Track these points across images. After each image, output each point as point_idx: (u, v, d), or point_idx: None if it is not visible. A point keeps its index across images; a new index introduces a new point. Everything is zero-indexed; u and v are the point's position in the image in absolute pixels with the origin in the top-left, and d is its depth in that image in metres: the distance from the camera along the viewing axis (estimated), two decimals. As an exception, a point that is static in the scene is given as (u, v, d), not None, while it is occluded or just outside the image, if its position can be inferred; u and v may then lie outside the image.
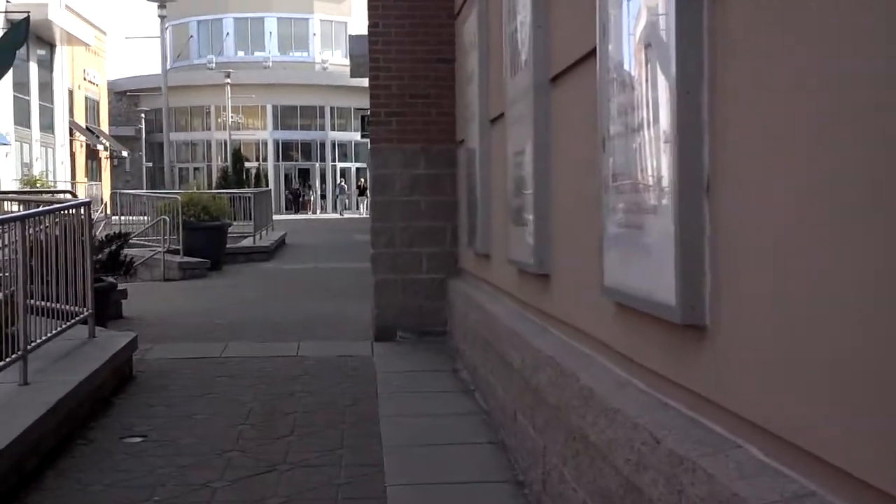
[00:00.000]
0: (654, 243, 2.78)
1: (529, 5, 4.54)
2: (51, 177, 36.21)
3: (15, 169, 33.59)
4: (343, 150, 55.07)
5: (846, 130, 1.85)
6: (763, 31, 2.23)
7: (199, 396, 6.37)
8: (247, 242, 19.21)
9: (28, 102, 36.10)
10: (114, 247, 9.07)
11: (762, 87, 2.23)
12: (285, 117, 54.44)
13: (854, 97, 1.82)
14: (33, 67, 36.75)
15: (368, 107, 8.88)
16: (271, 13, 56.17)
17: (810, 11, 2.00)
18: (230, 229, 18.19)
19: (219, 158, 53.34)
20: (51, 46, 38.85)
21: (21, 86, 34.84)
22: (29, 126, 35.86)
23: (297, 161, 55.01)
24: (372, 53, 8.54)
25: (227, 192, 22.16)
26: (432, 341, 8.33)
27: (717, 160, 2.49)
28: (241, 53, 56.51)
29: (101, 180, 44.93)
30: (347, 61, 23.87)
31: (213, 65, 53.56)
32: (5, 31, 28.31)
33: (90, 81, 45.52)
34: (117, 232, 10.05)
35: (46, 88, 38.24)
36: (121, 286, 9.85)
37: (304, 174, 54.30)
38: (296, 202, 51.33)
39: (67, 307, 6.59)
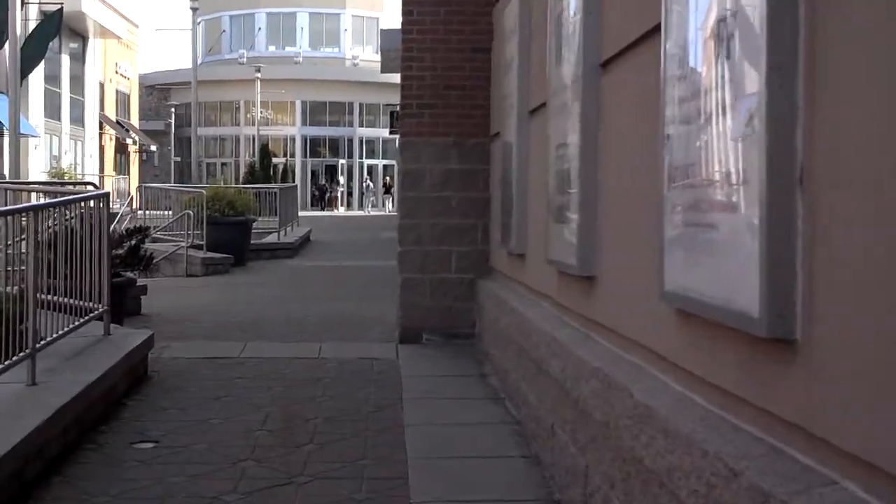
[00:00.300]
0: (731, 244, 2.40)
1: (578, -17, 4.16)
2: (79, 170, 36.18)
3: (44, 161, 33.58)
4: (371, 147, 54.81)
5: None
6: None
7: (215, 399, 6.03)
8: (271, 238, 18.92)
9: (59, 95, 36.07)
10: (134, 241, 8.76)
11: (876, 62, 1.84)
12: (314, 113, 54.26)
13: None
14: (65, 60, 36.72)
15: (397, 103, 8.55)
16: (303, 8, 55.99)
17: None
18: (255, 225, 17.92)
19: (247, 154, 53.21)
20: (83, 39, 38.81)
21: (52, 78, 34.81)
22: (59, 119, 35.84)
23: (324, 157, 54.81)
24: (405, 43, 8.18)
25: (252, 187, 21.91)
26: (460, 344, 7.97)
27: (813, 149, 2.11)
28: (272, 48, 56.36)
29: (129, 174, 44.96)
30: (378, 57, 23.57)
31: (245, 59, 53.48)
32: (38, 22, 28.25)
33: (122, 75, 45.50)
34: (138, 226, 9.74)
35: (78, 81, 38.21)
36: (141, 282, 9.56)
37: (331, 170, 54.09)
38: (322, 198, 51.11)
39: (82, 303, 6.29)
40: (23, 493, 4.20)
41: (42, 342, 5.37)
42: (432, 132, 8.10)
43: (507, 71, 6.66)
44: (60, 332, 5.71)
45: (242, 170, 49.46)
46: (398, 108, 8.57)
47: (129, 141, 46.98)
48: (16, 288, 5.45)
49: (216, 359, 7.34)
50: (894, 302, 1.78)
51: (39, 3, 31.94)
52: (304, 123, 54.29)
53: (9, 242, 5.51)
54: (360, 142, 54.44)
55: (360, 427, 5.43)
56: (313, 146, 54.65)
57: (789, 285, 2.15)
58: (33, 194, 8.82)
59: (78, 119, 37.98)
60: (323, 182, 52.66)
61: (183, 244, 15.48)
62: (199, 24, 47.09)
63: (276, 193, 20.32)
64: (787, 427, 2.25)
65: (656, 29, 3.13)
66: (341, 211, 48.65)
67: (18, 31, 13.40)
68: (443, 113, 8.09)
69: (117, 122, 44.50)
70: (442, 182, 8.11)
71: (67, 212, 6.33)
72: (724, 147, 2.46)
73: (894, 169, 1.79)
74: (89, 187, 9.10)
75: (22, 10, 15.25)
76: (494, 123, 7.72)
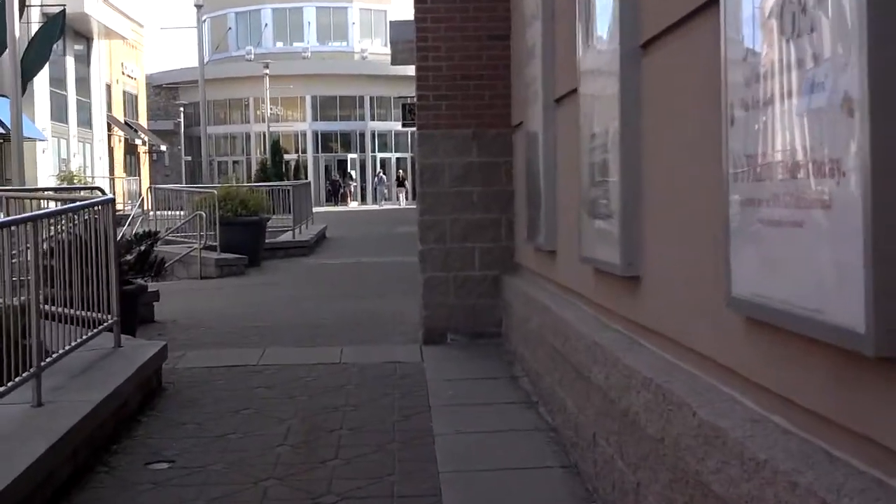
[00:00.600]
0: (824, 245, 2.07)
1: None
2: (88, 172, 36.01)
3: (53, 165, 33.42)
4: (383, 140, 54.47)
5: None
6: None
7: (234, 412, 5.73)
8: (286, 237, 18.61)
9: (65, 98, 35.89)
10: (143, 246, 8.46)
11: None
12: (324, 108, 53.94)
13: None
14: (70, 62, 36.53)
15: (408, 95, 8.25)
16: (310, 3, 55.63)
17: None
18: (269, 223, 17.62)
19: (258, 151, 53.02)
20: (87, 40, 38.61)
21: (58, 81, 34.62)
22: (66, 121, 35.66)
23: (336, 152, 54.52)
24: (419, 32, 7.85)
25: (265, 186, 21.61)
26: (486, 344, 7.65)
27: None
28: (279, 44, 56.03)
29: (139, 175, 44.80)
30: (387, 50, 23.23)
31: (252, 56, 53.19)
32: (41, 25, 28.02)
33: (128, 75, 45.32)
34: (147, 230, 9.44)
35: (84, 83, 38.02)
36: (154, 287, 9.27)
37: (343, 166, 53.78)
38: (335, 194, 50.84)
39: (91, 314, 6.00)
40: (30, 526, 3.91)
41: (47, 360, 5.08)
42: (450, 124, 7.78)
43: (529, 58, 6.32)
44: (66, 348, 5.41)
45: (254, 167, 49.28)
46: (412, 100, 8.24)
47: (138, 142, 46.84)
48: (19, 301, 5.16)
49: (233, 367, 7.04)
50: None
51: (41, 6, 31.71)
52: (314, 119, 53.98)
53: (13, 252, 5.22)
54: (373, 136, 54.12)
55: (387, 438, 5.12)
56: (325, 141, 54.35)
57: (904, 295, 1.82)
58: (39, 202, 8.54)
59: (85, 121, 37.81)
60: (335, 177, 52.39)
61: (196, 246, 15.20)
62: (204, 21, 46.83)
63: (289, 191, 20.02)
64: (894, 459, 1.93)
65: (712, 2, 2.80)
66: (354, 206, 48.40)
67: (17, 34, 13.07)
68: (461, 104, 7.76)
69: (126, 124, 44.33)
70: (462, 176, 7.79)
71: (71, 220, 6.03)
72: (807, 132, 2.13)
73: None
74: (96, 192, 8.79)
75: (21, 15, 14.97)
76: (516, 113, 7.39)
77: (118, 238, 8.24)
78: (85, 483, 4.49)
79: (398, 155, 53.82)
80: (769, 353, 2.54)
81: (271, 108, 51.31)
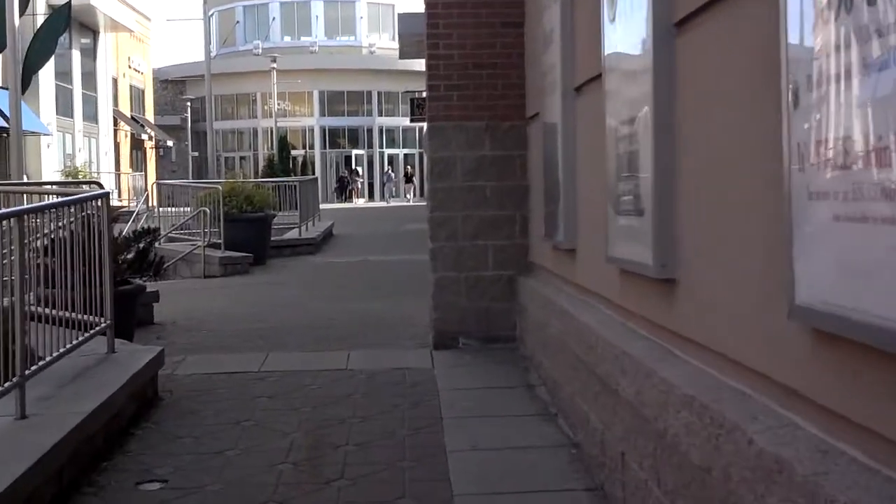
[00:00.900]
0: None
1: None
2: (94, 167, 35.71)
3: (57, 159, 33.14)
4: (391, 136, 54.08)
5: None
6: None
7: (234, 424, 5.36)
8: (292, 234, 18.24)
9: (71, 92, 35.58)
10: (142, 244, 8.10)
11: None
12: (332, 103, 53.57)
13: None
14: (76, 55, 36.21)
15: (416, 90, 7.85)
16: (318, -3, 55.34)
17: None
18: (275, 220, 17.27)
19: (265, 147, 52.71)
20: (94, 33, 38.29)
21: (64, 75, 34.33)
22: (71, 116, 35.36)
23: (343, 148, 54.17)
24: (430, 19, 7.47)
25: (271, 181, 21.26)
26: (500, 349, 7.27)
27: None
28: (287, 39, 55.66)
29: (146, 170, 44.51)
30: (395, 45, 22.93)
31: (259, 51, 52.87)
32: (46, 17, 27.69)
33: (135, 69, 45.01)
34: (147, 227, 9.08)
35: (90, 77, 37.71)
36: (153, 287, 8.91)
37: (350, 161, 53.44)
38: (343, 190, 50.48)
39: (82, 317, 5.65)
40: (5, 556, 3.56)
41: (32, 368, 4.72)
42: (462, 116, 7.39)
43: (546, 45, 5.94)
44: (54, 355, 5.05)
45: (261, 163, 48.99)
46: (421, 92, 7.87)
47: (144, 136, 46.55)
48: (6, 301, 4.80)
49: (235, 373, 6.67)
50: None
51: (46, -2, 31.39)
52: (321, 114, 53.64)
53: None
54: (380, 131, 53.74)
55: (397, 455, 4.75)
56: (332, 137, 54.00)
57: None
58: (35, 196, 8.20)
59: (91, 116, 37.50)
60: (343, 174, 52.06)
61: (199, 243, 14.86)
62: (212, 15, 46.50)
63: (295, 187, 19.66)
64: None
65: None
66: (361, 202, 48.07)
67: (17, 25, 12.75)
68: (473, 94, 7.38)
69: (132, 118, 44.05)
70: (475, 170, 7.41)
71: (61, 216, 5.68)
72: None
73: None
74: (94, 186, 8.45)
75: (23, 11, 14.67)
76: (532, 103, 7.01)
77: (115, 236, 7.90)
78: (70, 504, 4.14)
79: (406, 151, 53.42)
80: (843, 373, 2.17)
81: (279, 104, 50.98)
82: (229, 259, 14.38)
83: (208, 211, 15.07)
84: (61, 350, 5.17)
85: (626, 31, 3.81)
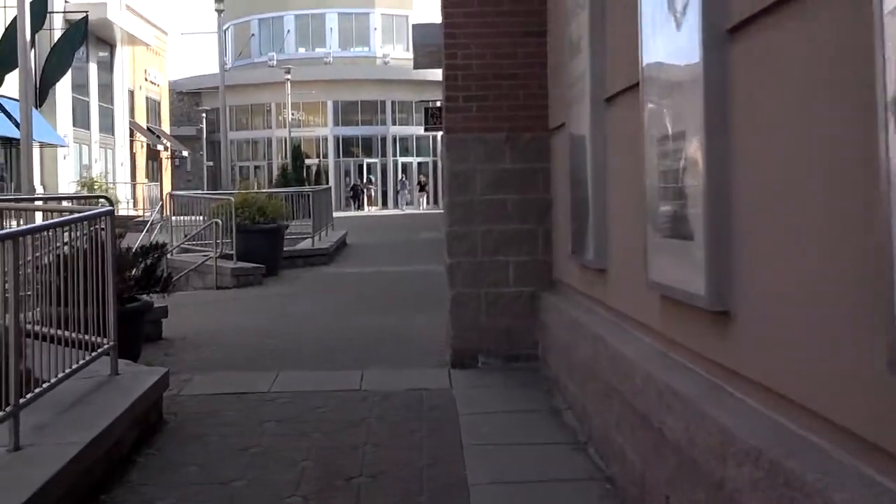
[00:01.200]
0: None
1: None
2: (110, 178, 35.68)
3: (74, 171, 33.12)
4: (405, 145, 53.98)
5: None
6: None
7: (241, 451, 5.05)
8: (305, 244, 17.95)
9: (88, 104, 35.65)
10: (149, 260, 7.82)
11: None
12: (346, 113, 53.50)
13: None
14: (93, 68, 36.33)
15: (430, 99, 7.58)
16: (332, 9, 55.23)
17: None
18: (288, 230, 16.98)
19: (279, 156, 52.64)
20: (111, 47, 38.38)
21: (80, 87, 34.44)
22: (88, 128, 35.42)
23: (357, 157, 54.05)
24: (447, 28, 7.18)
25: (284, 191, 21.00)
26: (521, 368, 6.96)
27: None
28: (301, 50, 55.68)
29: (161, 181, 44.46)
30: (409, 55, 22.67)
31: (274, 62, 52.95)
32: (63, 32, 27.63)
33: (151, 82, 45.04)
34: (154, 242, 8.80)
35: (106, 89, 37.80)
36: (162, 302, 8.62)
37: (362, 170, 53.32)
38: (356, 199, 50.38)
39: (85, 337, 5.36)
40: None
41: (28, 396, 4.43)
42: (482, 127, 7.09)
43: (573, 53, 5.62)
44: (51, 381, 4.76)
45: (275, 172, 48.89)
46: (436, 103, 7.56)
47: (160, 147, 46.54)
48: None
49: (244, 395, 6.37)
50: None
51: (64, 13, 31.37)
52: (335, 124, 53.58)
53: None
54: (394, 140, 53.65)
55: (414, 488, 4.43)
56: (346, 146, 53.92)
57: None
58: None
59: (108, 127, 37.56)
60: (356, 183, 52.00)
61: (211, 255, 14.59)
62: (227, 28, 46.44)
63: (308, 196, 19.39)
64: None
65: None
66: (374, 210, 47.95)
67: (28, 39, 12.55)
68: (493, 105, 7.07)
69: (148, 129, 44.03)
70: (495, 183, 7.10)
71: (63, 235, 5.41)
72: None
73: None
74: (102, 202, 8.18)
75: (38, 29, 14.48)
76: (555, 114, 6.69)
77: (123, 251, 7.63)
78: (64, 543, 3.84)
79: (419, 159, 53.37)
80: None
81: (293, 114, 50.92)
82: (241, 270, 14.10)
83: (220, 222, 14.81)
84: (59, 375, 4.87)
85: (672, 38, 3.49)
